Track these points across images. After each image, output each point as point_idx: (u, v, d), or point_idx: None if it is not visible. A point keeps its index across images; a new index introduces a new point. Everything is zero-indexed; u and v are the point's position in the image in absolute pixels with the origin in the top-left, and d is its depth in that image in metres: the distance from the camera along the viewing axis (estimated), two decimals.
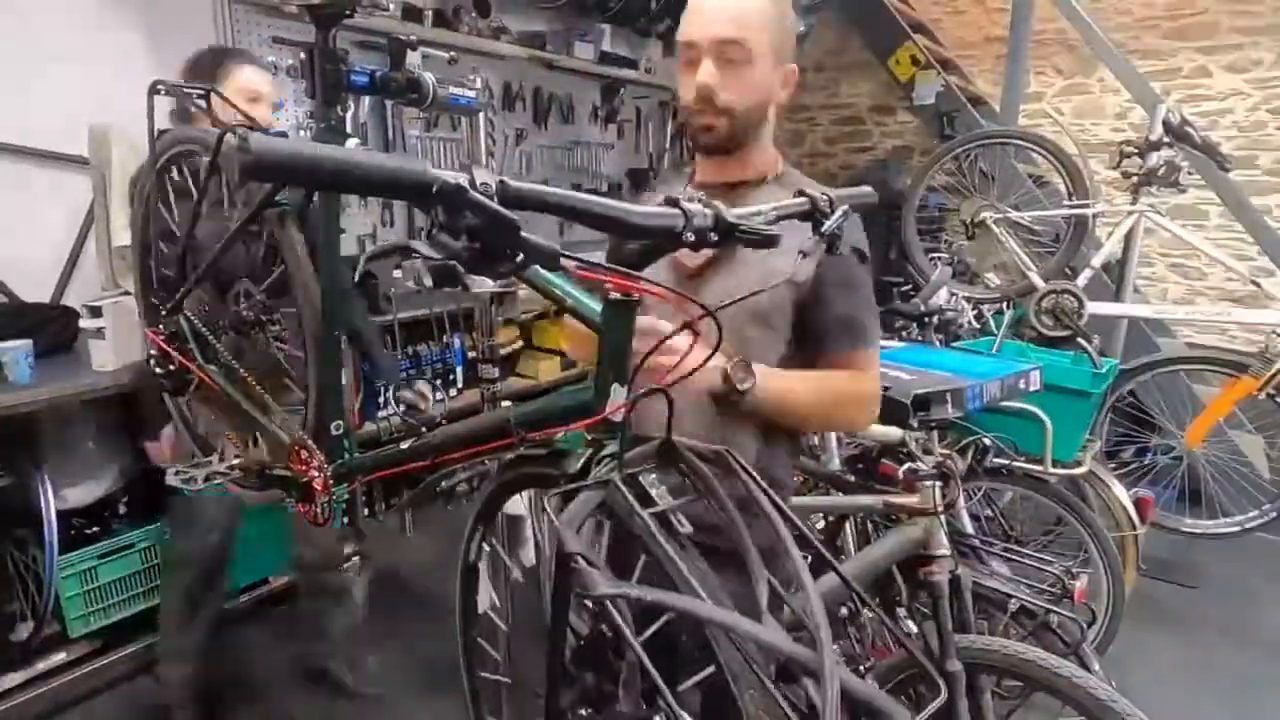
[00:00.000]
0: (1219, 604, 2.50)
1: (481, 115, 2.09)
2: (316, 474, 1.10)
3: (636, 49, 4.01)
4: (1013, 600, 1.36)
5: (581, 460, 0.93)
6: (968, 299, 2.59)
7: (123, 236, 1.94)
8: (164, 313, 1.05)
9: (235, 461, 1.10)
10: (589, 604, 0.82)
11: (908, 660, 1.28)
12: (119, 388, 1.82)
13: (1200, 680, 2.13)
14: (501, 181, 0.65)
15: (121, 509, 2.10)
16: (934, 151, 3.07)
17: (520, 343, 3.35)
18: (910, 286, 3.18)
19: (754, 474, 1.03)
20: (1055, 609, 1.31)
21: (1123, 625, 1.94)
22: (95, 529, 2.02)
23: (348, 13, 0.96)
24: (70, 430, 1.96)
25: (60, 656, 1.97)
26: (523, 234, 0.65)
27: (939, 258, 2.87)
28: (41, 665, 1.94)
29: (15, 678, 1.89)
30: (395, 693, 2.03)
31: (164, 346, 1.05)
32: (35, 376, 1.71)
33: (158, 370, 1.06)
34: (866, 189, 1.46)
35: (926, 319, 2.00)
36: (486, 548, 1.33)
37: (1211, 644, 2.29)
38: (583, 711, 0.95)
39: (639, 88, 4.15)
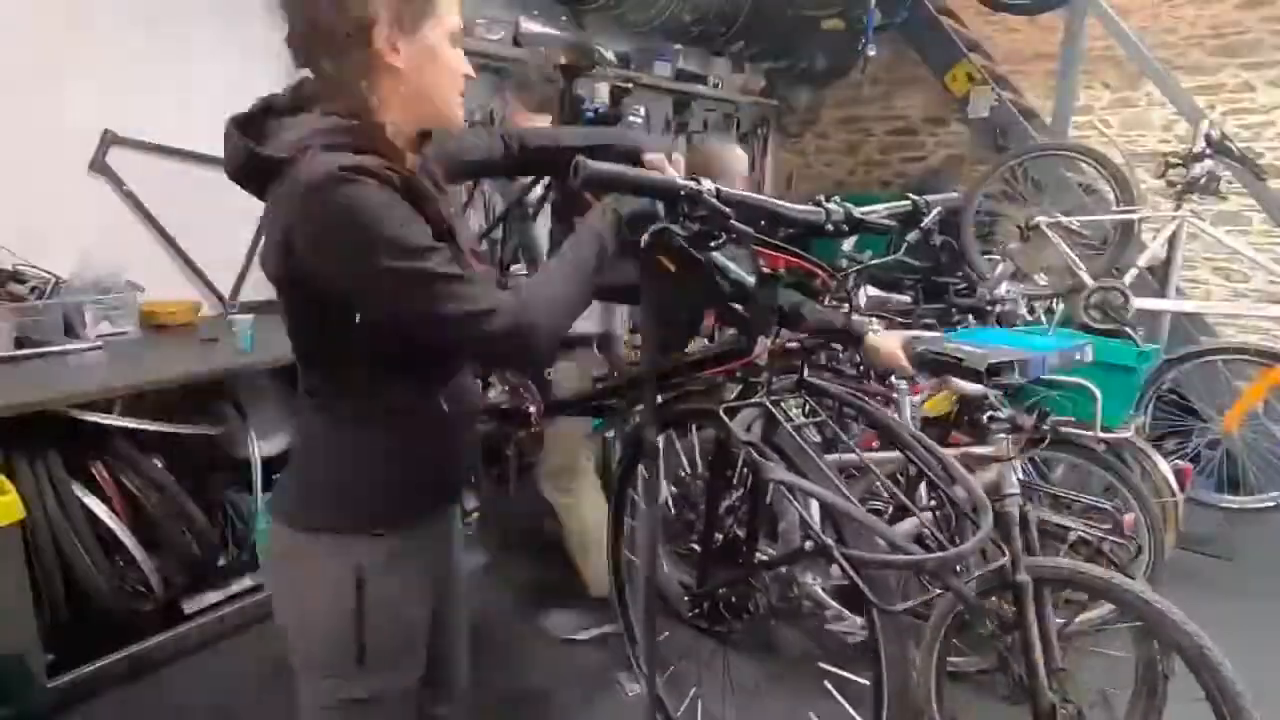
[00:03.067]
0: (1254, 574, 2.73)
1: None
2: (533, 408, 1.46)
3: (706, 66, 4.35)
4: (1071, 532, 1.65)
5: (735, 393, 1.28)
6: (1021, 294, 2.87)
7: None
8: None
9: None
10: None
11: (989, 574, 1.57)
12: None
13: (1237, 639, 2.35)
14: (717, 189, 1.01)
15: None
16: (990, 162, 3.35)
17: None
18: (965, 286, 3.46)
19: (873, 405, 1.37)
20: (1108, 537, 1.60)
21: (1161, 592, 2.18)
22: (278, 475, 2.40)
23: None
24: (267, 391, 2.36)
25: (248, 580, 2.36)
26: (731, 220, 1.02)
27: (993, 259, 3.15)
28: (235, 586, 2.33)
29: (216, 596, 2.28)
30: (530, 623, 2.37)
31: None
32: (255, 346, 2.10)
33: None
34: (954, 194, 1.80)
35: (990, 307, 2.29)
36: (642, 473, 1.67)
37: (1247, 609, 2.51)
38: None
39: (707, 101, 4.50)
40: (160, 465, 2.05)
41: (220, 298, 2.62)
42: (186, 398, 2.15)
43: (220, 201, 2.53)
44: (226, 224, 2.60)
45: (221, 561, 2.29)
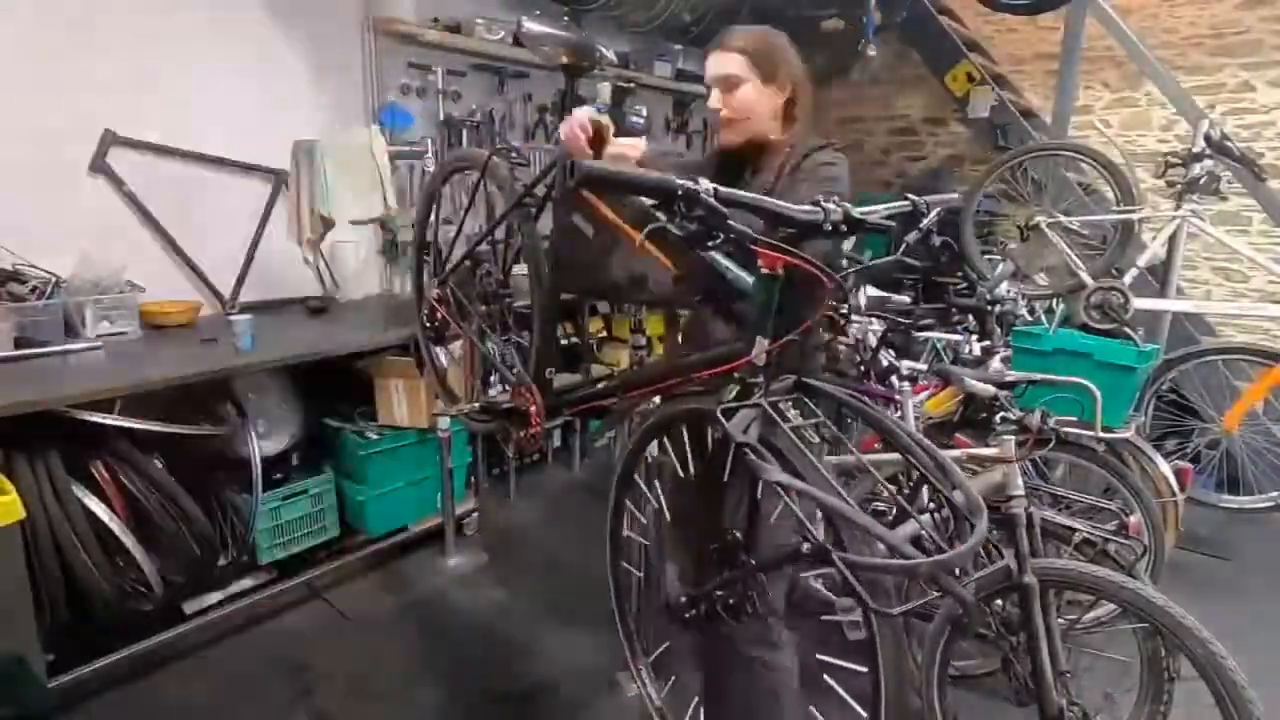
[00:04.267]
0: (1254, 574, 2.73)
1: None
2: (533, 407, 1.45)
3: None
4: (1076, 533, 1.64)
5: (733, 394, 1.26)
6: (1020, 294, 2.86)
7: (307, 229, 2.36)
8: (437, 283, 1.41)
9: (477, 405, 1.45)
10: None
11: (994, 575, 1.57)
12: (308, 357, 2.21)
13: (1237, 639, 2.35)
14: (714, 188, 1.00)
15: (295, 460, 2.49)
16: (990, 162, 3.35)
17: (605, 332, 3.70)
18: (966, 286, 3.45)
19: (875, 407, 1.35)
20: (1113, 537, 1.59)
21: (1162, 590, 2.18)
22: (278, 475, 2.41)
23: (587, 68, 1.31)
24: (267, 392, 2.35)
25: (248, 581, 2.36)
26: (729, 220, 1.01)
27: (993, 259, 3.14)
28: (235, 587, 2.33)
29: (216, 596, 2.28)
30: (530, 624, 2.37)
31: (434, 304, 1.40)
32: (255, 346, 2.09)
33: (426, 325, 1.42)
34: (954, 195, 1.79)
35: (989, 308, 2.28)
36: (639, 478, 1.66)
37: (1247, 609, 2.51)
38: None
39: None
40: (160, 465, 2.04)
41: (220, 298, 2.61)
42: (186, 398, 2.14)
43: (220, 201, 2.56)
44: (226, 224, 2.60)
45: (222, 562, 2.29)
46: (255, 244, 2.66)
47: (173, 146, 2.41)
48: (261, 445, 2.31)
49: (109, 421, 1.89)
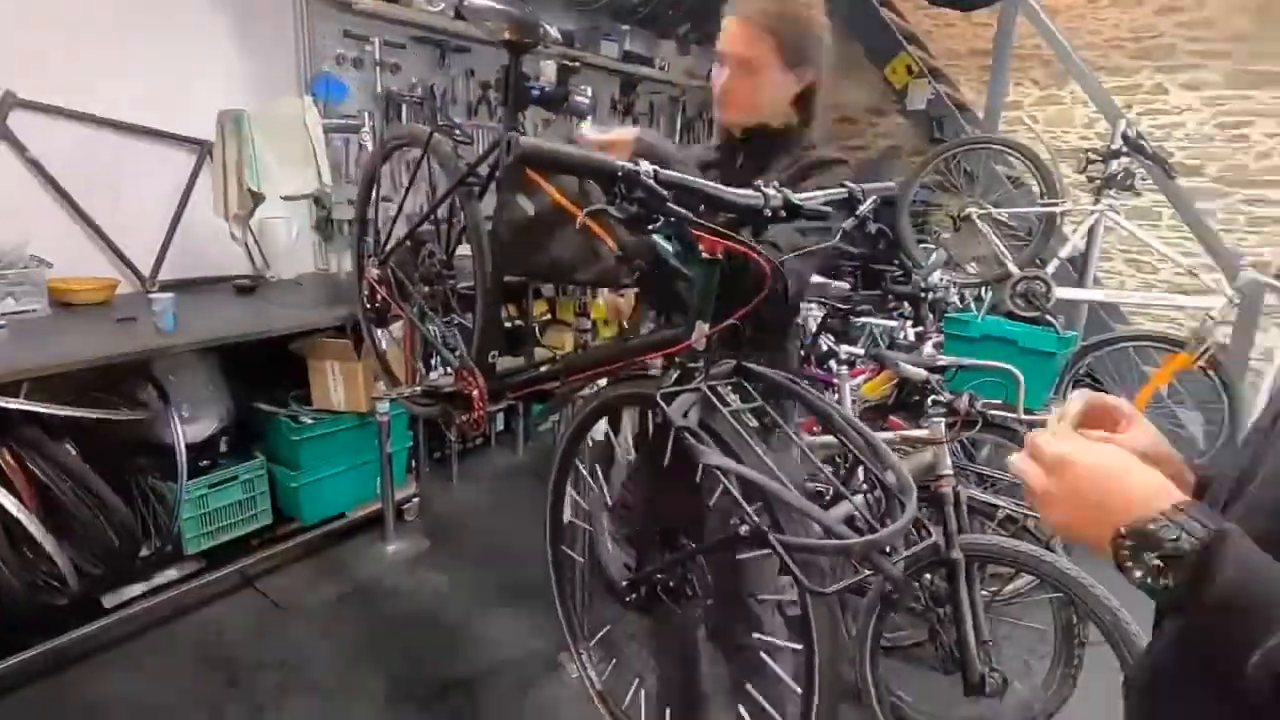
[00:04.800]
0: None
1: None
2: (476, 391, 1.43)
3: (653, 48, 4.32)
4: (1000, 510, 1.74)
5: (673, 379, 1.27)
6: (952, 282, 2.98)
7: (234, 204, 2.26)
8: (378, 262, 1.36)
9: (419, 388, 1.42)
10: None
11: (923, 551, 1.64)
12: (235, 339, 2.12)
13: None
14: (655, 170, 1.00)
15: (223, 446, 2.38)
16: (926, 153, 3.45)
17: (549, 315, 3.67)
18: (902, 274, 3.57)
19: (812, 391, 1.38)
20: (1032, 514, 1.69)
21: (1075, 561, 2.34)
22: (205, 462, 2.30)
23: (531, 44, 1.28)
24: (191, 374, 2.24)
25: (173, 572, 2.25)
26: (668, 203, 1.01)
27: (928, 247, 3.26)
28: (159, 579, 2.22)
29: (138, 588, 2.17)
30: (473, 609, 2.34)
31: (374, 285, 1.36)
32: (177, 326, 1.98)
33: (366, 306, 1.37)
34: (890, 183, 1.83)
35: (923, 295, 2.37)
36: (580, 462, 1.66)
37: None
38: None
39: (654, 83, 4.47)
40: (73, 451, 1.92)
41: (139, 275, 2.46)
42: (103, 380, 2.02)
43: (139, 173, 2.41)
44: (146, 197, 2.45)
45: (144, 552, 2.18)
46: (177, 219, 2.52)
47: (83, 111, 2.25)
48: (186, 430, 2.20)
49: (14, 406, 1.77)
